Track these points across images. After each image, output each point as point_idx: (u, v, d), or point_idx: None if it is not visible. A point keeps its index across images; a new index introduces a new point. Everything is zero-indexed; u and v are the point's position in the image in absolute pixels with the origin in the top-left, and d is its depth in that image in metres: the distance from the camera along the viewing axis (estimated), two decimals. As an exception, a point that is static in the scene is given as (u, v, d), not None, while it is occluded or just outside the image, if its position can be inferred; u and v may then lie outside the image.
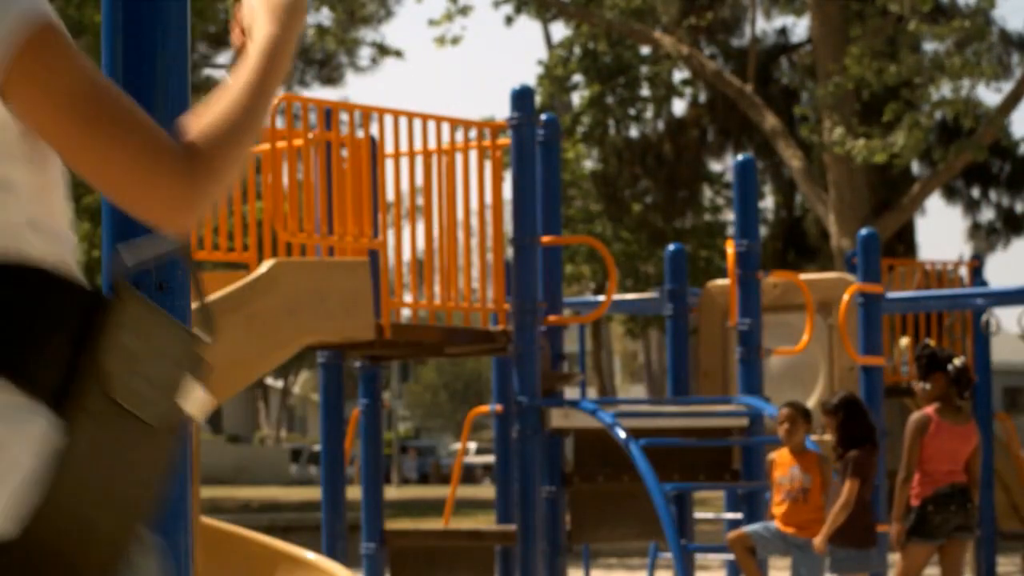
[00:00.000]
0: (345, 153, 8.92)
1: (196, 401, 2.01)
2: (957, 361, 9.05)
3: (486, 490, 28.92)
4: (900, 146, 20.43)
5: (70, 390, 1.86)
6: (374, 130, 9.58)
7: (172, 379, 1.97)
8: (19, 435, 1.85)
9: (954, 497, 8.98)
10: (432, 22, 23.58)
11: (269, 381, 56.72)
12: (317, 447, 37.91)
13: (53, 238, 1.98)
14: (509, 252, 9.48)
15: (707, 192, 31.67)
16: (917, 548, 9.08)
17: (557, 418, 9.47)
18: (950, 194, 31.70)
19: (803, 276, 12.14)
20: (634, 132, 30.99)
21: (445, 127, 9.17)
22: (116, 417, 1.90)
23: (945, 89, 20.82)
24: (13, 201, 1.92)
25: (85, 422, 1.86)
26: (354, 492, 10.35)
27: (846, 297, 11.02)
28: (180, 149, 1.94)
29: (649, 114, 30.87)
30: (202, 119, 1.99)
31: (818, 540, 8.90)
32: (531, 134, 9.28)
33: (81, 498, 1.86)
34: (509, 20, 26.63)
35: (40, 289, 1.90)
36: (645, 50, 28.28)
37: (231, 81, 2.09)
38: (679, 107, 32.13)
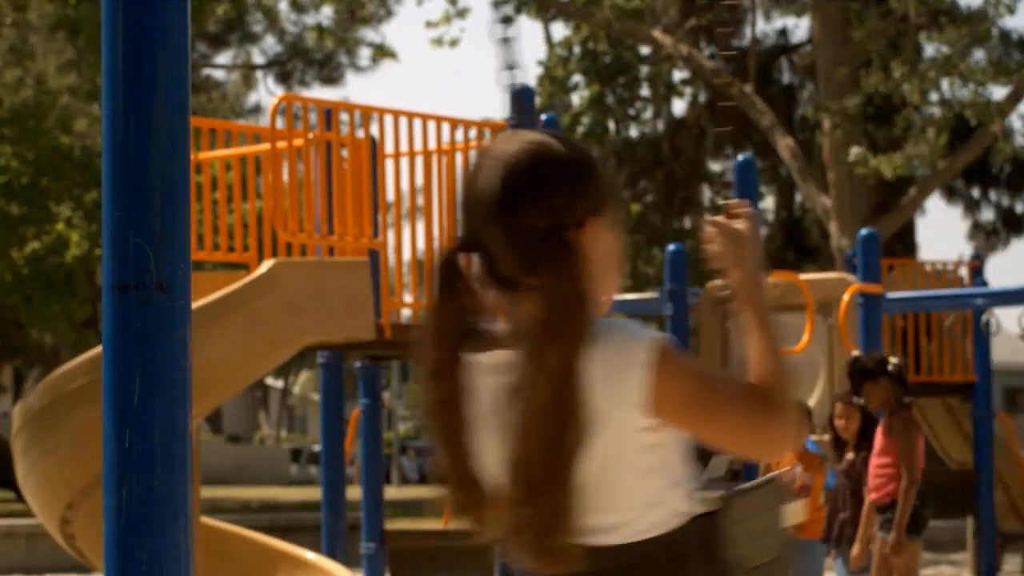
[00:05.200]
0: (345, 153, 8.92)
1: (794, 512, 2.69)
2: (895, 360, 8.97)
3: (486, 490, 28.88)
4: (919, 156, 20.42)
5: None
6: (374, 130, 9.59)
7: (774, 522, 2.72)
8: None
9: (928, 496, 8.97)
10: (430, 24, 23.55)
11: (269, 381, 56.74)
12: (317, 447, 37.89)
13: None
14: (509, 252, 9.47)
15: (707, 192, 31.67)
16: (913, 545, 9.07)
17: (557, 418, 9.46)
18: (950, 194, 31.71)
19: (803, 276, 12.14)
20: (634, 132, 31.01)
21: (445, 127, 9.17)
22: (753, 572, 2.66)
23: (963, 92, 20.80)
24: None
25: None
26: (354, 492, 10.34)
27: (846, 297, 11.02)
28: (758, 390, 2.57)
29: (649, 114, 30.89)
30: (753, 369, 2.58)
31: (856, 547, 8.85)
32: (531, 134, 9.28)
33: None
34: (509, 20, 26.63)
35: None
36: (645, 50, 28.29)
37: (752, 340, 2.62)
38: (679, 107, 32.16)
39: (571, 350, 2.45)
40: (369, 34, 42.48)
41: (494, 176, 2.55)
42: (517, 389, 2.47)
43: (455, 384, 2.57)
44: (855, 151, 20.87)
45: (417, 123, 9.03)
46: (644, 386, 2.47)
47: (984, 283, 14.16)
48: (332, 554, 9.35)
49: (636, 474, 2.52)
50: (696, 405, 2.51)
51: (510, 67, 2.83)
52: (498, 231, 2.54)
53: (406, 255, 9.19)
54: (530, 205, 2.53)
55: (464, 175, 2.61)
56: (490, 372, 2.56)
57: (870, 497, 8.81)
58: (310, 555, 8.79)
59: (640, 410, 2.48)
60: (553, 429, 2.44)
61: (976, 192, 31.82)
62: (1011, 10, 20.91)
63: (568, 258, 2.51)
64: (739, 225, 2.69)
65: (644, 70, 29.75)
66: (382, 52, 30.68)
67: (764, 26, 31.59)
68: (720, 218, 2.71)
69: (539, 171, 2.55)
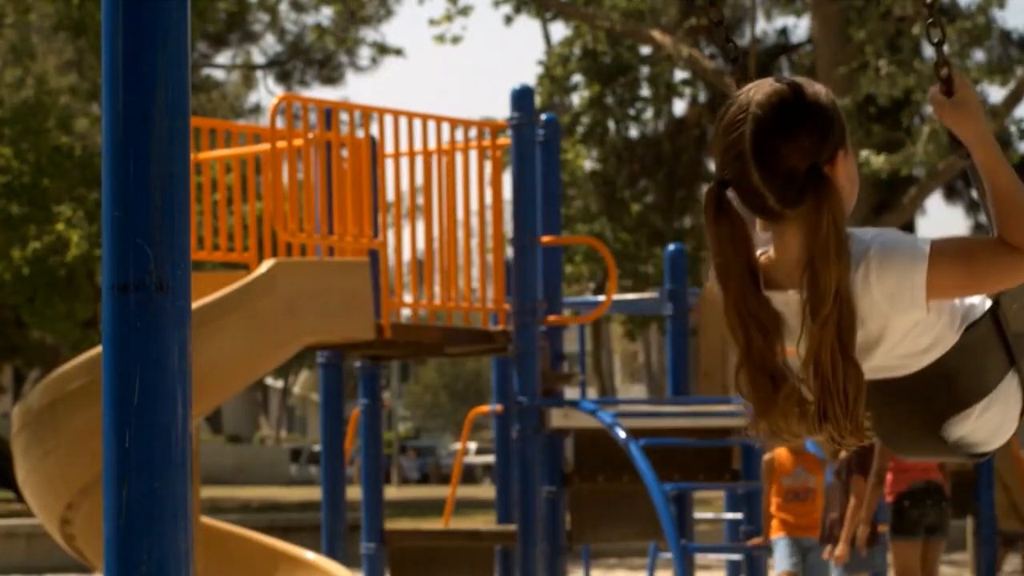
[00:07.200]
0: (345, 153, 8.92)
1: None
2: None
3: (486, 490, 28.92)
4: (920, 156, 20.43)
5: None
6: (374, 130, 9.59)
7: None
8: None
9: (929, 493, 8.95)
10: (432, 22, 23.61)
11: (269, 381, 56.73)
12: (317, 447, 37.91)
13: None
14: (509, 252, 9.48)
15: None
16: (903, 546, 9.06)
17: (557, 418, 9.47)
18: (950, 194, 31.70)
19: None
20: (634, 132, 31.01)
21: (445, 127, 9.17)
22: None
23: None
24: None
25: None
26: (354, 492, 10.34)
27: (846, 297, 11.01)
28: (1006, 249, 2.88)
29: (649, 114, 30.89)
30: (997, 225, 2.94)
31: (841, 547, 8.88)
32: (531, 134, 9.28)
33: None
34: (509, 20, 26.64)
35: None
36: (645, 50, 28.29)
37: (988, 184, 2.99)
38: (679, 107, 32.14)
39: (838, 275, 2.82)
40: (370, 34, 42.44)
41: (748, 123, 2.86)
42: (811, 305, 2.84)
43: (767, 310, 2.91)
44: (861, 154, 20.88)
45: (417, 123, 9.03)
46: (921, 289, 2.86)
47: (984, 283, 14.14)
48: (332, 554, 9.35)
49: (924, 335, 2.95)
50: (963, 285, 2.91)
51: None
52: (756, 175, 2.84)
53: (406, 255, 9.20)
54: (783, 151, 2.84)
55: (717, 122, 2.92)
56: (787, 303, 2.91)
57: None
58: (310, 555, 8.79)
59: (920, 305, 2.88)
60: (835, 338, 2.83)
61: (976, 192, 31.78)
62: (1001, 4, 20.96)
63: (827, 186, 2.83)
64: (959, 93, 3.01)
65: (644, 70, 29.75)
66: (385, 50, 30.71)
67: (764, 26, 31.62)
68: (939, 87, 3.03)
69: (788, 119, 2.86)
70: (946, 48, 3.13)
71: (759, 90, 2.92)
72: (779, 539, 9.48)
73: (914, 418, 3.13)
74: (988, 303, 3.08)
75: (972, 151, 3.02)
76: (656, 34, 24.39)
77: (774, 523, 9.57)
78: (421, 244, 9.48)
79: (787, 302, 2.92)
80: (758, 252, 2.95)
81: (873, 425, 3.10)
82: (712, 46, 29.43)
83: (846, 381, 2.86)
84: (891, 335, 2.95)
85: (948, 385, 3.06)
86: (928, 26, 3.11)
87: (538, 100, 25.49)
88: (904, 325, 2.94)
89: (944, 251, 2.88)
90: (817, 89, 2.92)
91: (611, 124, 30.27)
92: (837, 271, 2.83)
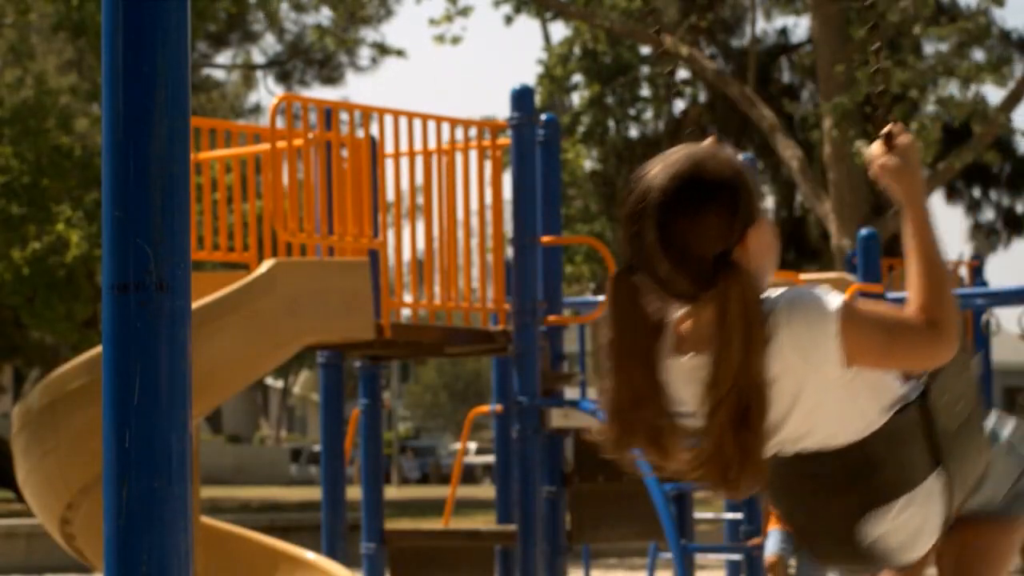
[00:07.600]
0: (345, 153, 8.92)
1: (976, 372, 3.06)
2: None
3: (486, 490, 28.91)
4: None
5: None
6: (374, 130, 9.59)
7: (968, 385, 3.04)
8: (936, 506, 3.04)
9: None
10: (432, 22, 23.64)
11: (269, 381, 56.73)
12: (317, 447, 37.94)
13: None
14: (509, 252, 9.48)
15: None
16: None
17: (557, 418, 9.46)
18: (951, 194, 31.70)
19: (803, 276, 12.13)
20: (634, 132, 31.00)
21: (445, 127, 9.17)
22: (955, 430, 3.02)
23: (953, 90, 20.84)
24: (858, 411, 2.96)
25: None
26: (354, 492, 10.34)
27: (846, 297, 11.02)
28: (922, 323, 2.86)
29: (649, 114, 30.88)
30: (915, 296, 2.88)
31: None
32: (531, 134, 9.28)
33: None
34: (509, 20, 26.64)
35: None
36: (645, 50, 28.29)
37: (913, 250, 2.93)
38: (679, 107, 32.17)
39: (741, 362, 2.76)
40: (370, 34, 42.43)
41: (650, 214, 2.78)
42: (707, 386, 2.79)
43: (647, 379, 2.87)
44: (858, 143, 20.90)
45: (417, 123, 9.03)
46: (834, 340, 2.81)
47: (984, 283, 14.14)
48: (332, 554, 9.35)
49: (844, 402, 2.90)
50: (879, 353, 2.85)
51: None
52: (665, 265, 2.79)
53: (406, 255, 9.20)
54: (690, 239, 2.77)
55: (623, 204, 2.84)
56: (683, 369, 2.86)
57: None
58: (310, 555, 8.78)
59: (834, 359, 2.82)
60: (728, 418, 2.79)
61: (976, 192, 31.82)
62: (1000, 2, 20.99)
63: (735, 273, 2.77)
64: (900, 146, 2.96)
65: (644, 70, 29.74)
66: (385, 50, 30.71)
67: (764, 26, 31.60)
68: (880, 142, 2.97)
69: (692, 207, 2.77)
70: (942, 48, 3.12)
71: (661, 172, 2.81)
72: (773, 531, 9.50)
73: (833, 506, 3.03)
74: (920, 389, 3.01)
75: (904, 210, 2.94)
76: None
77: (772, 518, 9.60)
78: (421, 244, 9.48)
79: (694, 367, 2.86)
80: (676, 315, 2.90)
81: (788, 516, 3.10)
82: (712, 46, 29.44)
83: (731, 455, 2.83)
84: (807, 396, 2.87)
85: (870, 473, 2.97)
86: (872, 74, 3.04)
87: (538, 100, 25.49)
88: (820, 385, 2.86)
89: (859, 312, 2.84)
90: (720, 163, 2.82)
91: (611, 124, 30.27)
92: (740, 357, 2.77)
